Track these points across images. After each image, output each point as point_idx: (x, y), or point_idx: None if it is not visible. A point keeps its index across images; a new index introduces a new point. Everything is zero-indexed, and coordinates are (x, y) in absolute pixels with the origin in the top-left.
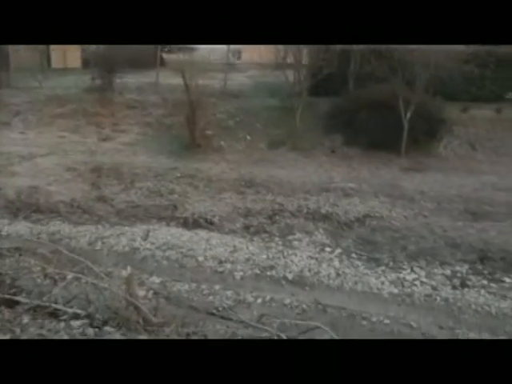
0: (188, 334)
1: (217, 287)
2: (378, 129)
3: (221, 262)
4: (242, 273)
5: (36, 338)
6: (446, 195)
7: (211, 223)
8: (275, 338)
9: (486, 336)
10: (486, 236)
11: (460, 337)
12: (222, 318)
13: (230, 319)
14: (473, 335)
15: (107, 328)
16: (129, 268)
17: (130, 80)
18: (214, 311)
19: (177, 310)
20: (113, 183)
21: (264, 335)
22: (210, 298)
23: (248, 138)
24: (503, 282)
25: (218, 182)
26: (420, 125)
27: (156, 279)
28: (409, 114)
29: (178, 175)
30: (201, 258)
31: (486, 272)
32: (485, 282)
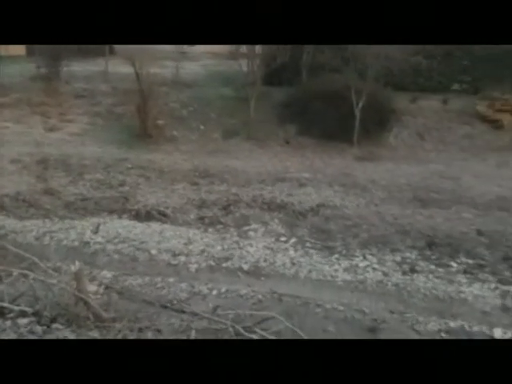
0: (141, 329)
1: (171, 280)
2: (330, 119)
3: (175, 255)
4: (196, 265)
5: None
6: (396, 184)
7: (164, 215)
8: (230, 329)
9: (434, 318)
10: (434, 223)
11: (409, 321)
12: (176, 311)
13: (184, 312)
14: (422, 319)
15: (56, 325)
16: (77, 263)
17: (78, 68)
18: (168, 304)
19: (129, 304)
20: (60, 175)
21: (219, 327)
22: (164, 291)
23: (202, 127)
24: (450, 266)
25: (171, 172)
26: (371, 115)
27: (108, 274)
28: (360, 104)
29: (129, 166)
30: (154, 251)
31: (433, 257)
32: (433, 266)
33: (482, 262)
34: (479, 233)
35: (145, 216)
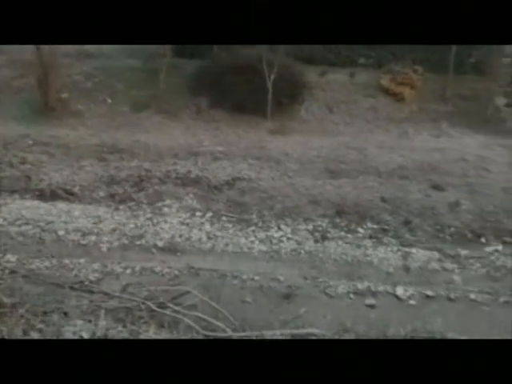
0: (45, 313)
1: (81, 261)
2: (243, 92)
3: (84, 235)
4: (108, 244)
5: None
6: (307, 156)
7: (71, 194)
8: (142, 306)
9: (343, 282)
10: (342, 192)
11: (322, 285)
12: (85, 291)
13: (93, 292)
14: (332, 282)
15: None
16: None
17: None
18: (77, 286)
19: (36, 288)
20: None
21: (130, 305)
22: (74, 272)
23: (109, 100)
24: (357, 232)
25: (77, 148)
26: (283, 88)
27: (11, 257)
28: (272, 77)
29: (31, 143)
30: (61, 232)
31: (342, 225)
32: (342, 233)
33: (386, 227)
34: (383, 200)
35: (50, 195)
